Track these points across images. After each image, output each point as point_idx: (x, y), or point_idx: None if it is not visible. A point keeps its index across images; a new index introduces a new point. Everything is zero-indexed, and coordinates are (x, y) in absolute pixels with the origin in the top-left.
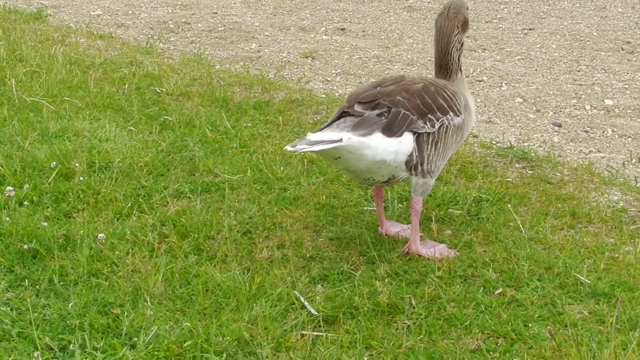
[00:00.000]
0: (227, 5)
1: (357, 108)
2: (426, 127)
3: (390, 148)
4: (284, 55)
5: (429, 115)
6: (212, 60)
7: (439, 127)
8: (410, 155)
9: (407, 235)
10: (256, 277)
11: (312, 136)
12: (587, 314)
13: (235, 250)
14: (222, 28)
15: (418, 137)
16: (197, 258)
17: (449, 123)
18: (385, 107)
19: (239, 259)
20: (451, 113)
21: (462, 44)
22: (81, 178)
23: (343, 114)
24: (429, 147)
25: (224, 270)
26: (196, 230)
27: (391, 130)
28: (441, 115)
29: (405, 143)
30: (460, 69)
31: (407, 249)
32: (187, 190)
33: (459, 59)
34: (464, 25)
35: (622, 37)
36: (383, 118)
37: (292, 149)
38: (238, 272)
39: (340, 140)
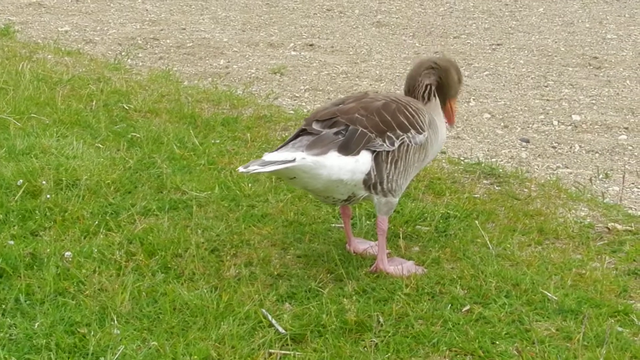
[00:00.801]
0: (195, 21)
1: (315, 126)
2: (385, 145)
3: (347, 167)
4: (253, 71)
5: (388, 133)
6: (181, 77)
7: (399, 146)
8: (369, 174)
9: (375, 252)
10: (224, 295)
11: (267, 156)
12: (554, 331)
13: (203, 268)
14: (191, 44)
15: (377, 155)
16: (165, 276)
17: (410, 141)
18: (342, 125)
19: (206, 277)
20: (412, 131)
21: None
22: (48, 196)
23: (300, 133)
24: (389, 165)
25: (192, 288)
26: (163, 248)
27: (348, 148)
28: (401, 133)
29: (362, 162)
30: (434, 95)
31: (375, 267)
32: (154, 207)
33: (428, 88)
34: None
35: (590, 53)
36: (340, 136)
37: (245, 170)
38: (205, 290)
39: (294, 160)
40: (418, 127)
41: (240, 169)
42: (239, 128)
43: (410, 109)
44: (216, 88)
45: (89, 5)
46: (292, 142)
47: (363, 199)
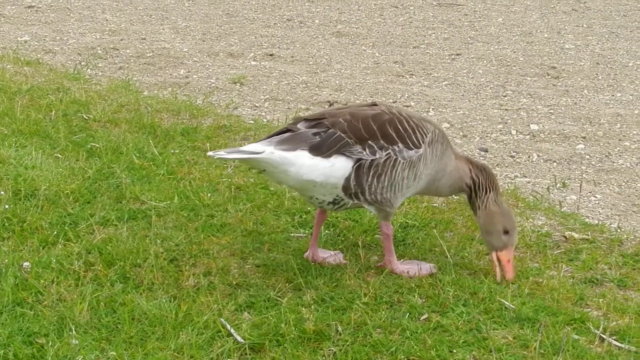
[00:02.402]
0: (155, 31)
1: (300, 125)
2: (365, 153)
3: (319, 169)
4: (213, 81)
5: (370, 142)
6: (140, 87)
7: (386, 160)
8: (348, 181)
9: (335, 262)
10: (182, 305)
11: (243, 147)
12: (511, 339)
13: (162, 278)
14: (151, 54)
15: (358, 165)
16: (123, 286)
17: (397, 155)
18: (324, 127)
19: (165, 287)
20: (401, 144)
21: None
22: (7, 206)
23: (286, 130)
24: (370, 177)
25: (150, 298)
26: (122, 258)
27: (319, 150)
28: (386, 145)
29: (339, 167)
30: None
31: (382, 264)
32: (113, 217)
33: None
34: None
35: (548, 62)
36: (317, 137)
37: (212, 154)
38: (164, 300)
39: (261, 153)
40: (409, 142)
41: (210, 153)
42: (198, 138)
43: (408, 123)
44: (176, 98)
45: (48, 15)
46: (273, 137)
47: (352, 206)
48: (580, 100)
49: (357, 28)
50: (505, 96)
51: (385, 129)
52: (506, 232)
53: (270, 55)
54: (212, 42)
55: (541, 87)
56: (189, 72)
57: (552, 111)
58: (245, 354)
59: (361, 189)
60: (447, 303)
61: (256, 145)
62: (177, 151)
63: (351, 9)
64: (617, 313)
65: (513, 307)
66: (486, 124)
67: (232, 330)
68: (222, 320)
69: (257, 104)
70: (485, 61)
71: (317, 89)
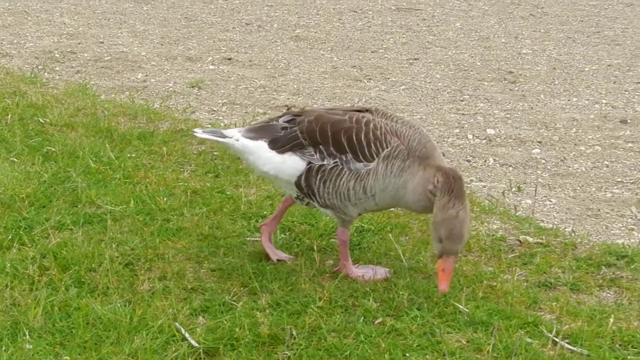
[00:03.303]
0: (113, 35)
1: (281, 119)
2: (315, 157)
3: (272, 163)
4: (170, 85)
5: (321, 147)
6: (98, 90)
7: (332, 167)
8: (298, 181)
9: (280, 259)
10: (137, 310)
11: (223, 130)
12: (465, 343)
13: (117, 283)
14: (109, 58)
15: (310, 167)
16: (78, 290)
17: (343, 164)
18: (293, 124)
19: (120, 291)
20: (350, 155)
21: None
22: None
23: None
24: (317, 181)
25: (105, 302)
26: (77, 262)
27: (275, 144)
28: (334, 152)
29: (290, 165)
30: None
31: (338, 269)
32: (69, 222)
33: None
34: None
35: (505, 67)
36: (282, 132)
37: (194, 130)
38: (119, 305)
39: (226, 137)
40: (359, 154)
41: (194, 129)
42: (155, 142)
43: (364, 135)
44: (133, 102)
45: (6, 18)
46: (254, 126)
47: (312, 205)
48: (536, 105)
49: (315, 32)
50: (462, 101)
51: (338, 137)
52: (440, 240)
53: (229, 59)
54: (170, 46)
55: (498, 92)
56: (146, 76)
57: (508, 116)
58: (200, 358)
59: (311, 191)
60: (402, 307)
61: (231, 131)
62: (134, 155)
63: (310, 13)
64: (570, 316)
65: (467, 310)
66: (443, 128)
67: (187, 335)
68: (177, 324)
69: (214, 108)
70: (442, 66)
71: (275, 93)
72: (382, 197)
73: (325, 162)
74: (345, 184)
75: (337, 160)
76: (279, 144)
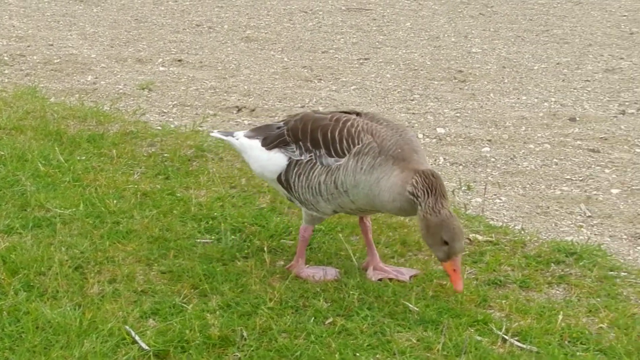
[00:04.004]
0: (63, 37)
1: (282, 121)
2: (295, 152)
3: (260, 160)
4: (120, 87)
5: (301, 143)
6: (47, 93)
7: (307, 161)
8: (279, 176)
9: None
10: (87, 313)
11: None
12: (415, 341)
13: (67, 286)
14: (58, 60)
15: (289, 163)
16: (27, 295)
17: (316, 159)
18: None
19: (70, 295)
20: (323, 150)
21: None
22: None
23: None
24: (294, 175)
25: (55, 306)
26: (27, 266)
27: (265, 142)
28: (311, 147)
29: (274, 161)
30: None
31: (289, 267)
32: (17, 225)
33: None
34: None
35: (455, 66)
36: (275, 131)
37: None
38: (69, 308)
39: (229, 136)
40: (331, 150)
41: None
42: (105, 144)
43: (337, 132)
44: (83, 104)
45: None
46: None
47: (294, 202)
48: (486, 104)
49: (266, 33)
50: (412, 100)
51: (315, 133)
52: (445, 242)
53: (179, 60)
54: (120, 48)
55: (448, 91)
56: (96, 78)
57: (458, 115)
58: None
59: (289, 185)
60: (352, 307)
61: (240, 132)
62: (83, 158)
63: (260, 14)
64: (520, 314)
65: (417, 309)
66: None
67: (137, 338)
68: (127, 327)
69: (165, 110)
70: (393, 65)
71: (225, 94)
72: (356, 195)
73: (302, 157)
74: (316, 178)
75: (312, 155)
76: (268, 142)
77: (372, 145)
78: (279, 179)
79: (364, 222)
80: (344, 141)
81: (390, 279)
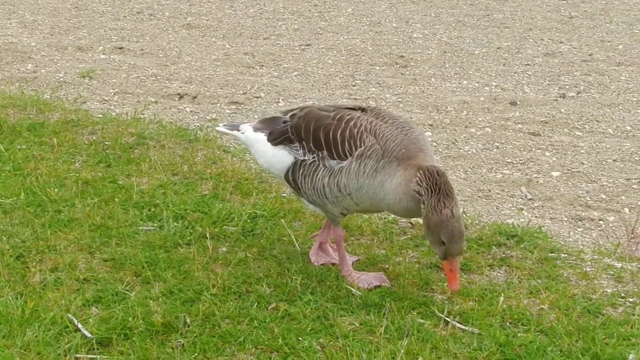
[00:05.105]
0: (2, 25)
1: (288, 114)
2: (299, 152)
3: (265, 155)
4: (61, 75)
5: (304, 142)
6: None
7: (311, 162)
8: (287, 175)
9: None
10: (29, 302)
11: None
12: (358, 325)
13: (8, 275)
14: None
15: (295, 162)
16: None
17: (319, 160)
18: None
19: (11, 284)
20: (325, 152)
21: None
22: None
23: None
24: (300, 176)
25: None
26: None
27: (271, 137)
28: (314, 148)
29: (279, 158)
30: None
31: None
32: None
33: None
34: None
35: (396, 52)
36: (281, 125)
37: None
38: (10, 298)
39: (235, 130)
40: (333, 152)
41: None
42: (45, 133)
43: (339, 133)
44: (23, 93)
45: None
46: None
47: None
48: (427, 89)
49: (207, 20)
50: (354, 85)
51: (317, 134)
52: (442, 242)
53: (120, 48)
54: (60, 36)
55: (390, 76)
56: (36, 66)
57: (400, 99)
58: (93, 348)
59: (297, 186)
60: (295, 292)
61: (244, 125)
62: (24, 147)
63: (201, 1)
64: (461, 296)
65: (360, 293)
66: None
67: (80, 326)
68: (70, 315)
69: (106, 98)
70: (334, 51)
71: (167, 81)
72: (360, 197)
73: (306, 158)
74: (320, 181)
75: (315, 156)
76: (272, 137)
77: (374, 147)
78: (286, 177)
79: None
80: (346, 143)
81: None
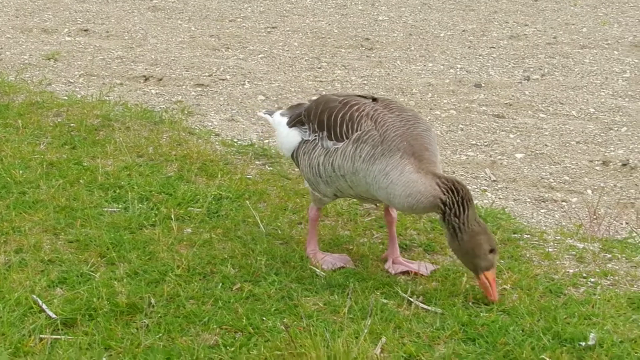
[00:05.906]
0: None
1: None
2: (307, 132)
3: (281, 137)
4: (26, 58)
5: (311, 123)
6: None
7: (312, 140)
8: (292, 153)
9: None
10: None
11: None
12: (322, 305)
13: None
14: None
15: (300, 141)
16: None
17: (319, 140)
18: None
19: None
20: (325, 132)
21: None
22: None
23: None
24: (301, 154)
25: None
26: None
27: (289, 120)
28: (317, 129)
29: (289, 139)
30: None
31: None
32: None
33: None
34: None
35: (362, 34)
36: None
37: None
38: None
39: (269, 114)
40: (332, 133)
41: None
42: (10, 115)
43: (340, 116)
44: None
45: None
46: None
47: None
48: (393, 71)
49: (173, 2)
50: (320, 68)
51: (322, 115)
52: (492, 250)
53: (85, 30)
54: (25, 18)
55: (355, 59)
56: (1, 49)
57: (365, 82)
58: (58, 329)
59: (298, 163)
60: (260, 272)
61: (278, 111)
62: None
63: None
64: (425, 277)
65: (324, 274)
66: (301, 95)
67: (44, 306)
68: (34, 296)
69: (71, 80)
70: (300, 34)
71: (132, 63)
72: (356, 181)
73: (309, 137)
74: (316, 159)
75: (316, 136)
76: (290, 120)
77: (372, 133)
78: (292, 156)
79: (389, 214)
80: (344, 125)
81: (409, 273)
